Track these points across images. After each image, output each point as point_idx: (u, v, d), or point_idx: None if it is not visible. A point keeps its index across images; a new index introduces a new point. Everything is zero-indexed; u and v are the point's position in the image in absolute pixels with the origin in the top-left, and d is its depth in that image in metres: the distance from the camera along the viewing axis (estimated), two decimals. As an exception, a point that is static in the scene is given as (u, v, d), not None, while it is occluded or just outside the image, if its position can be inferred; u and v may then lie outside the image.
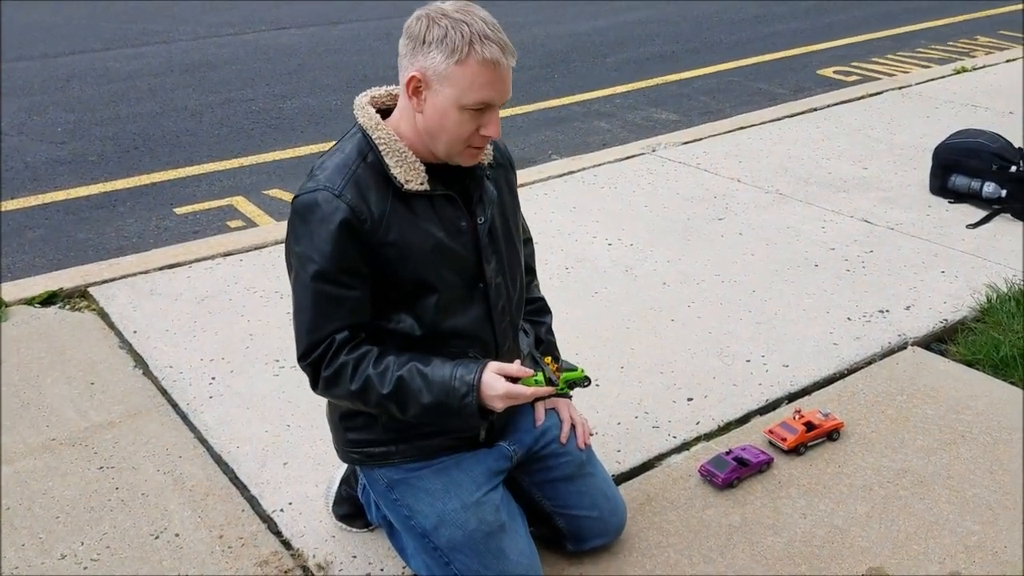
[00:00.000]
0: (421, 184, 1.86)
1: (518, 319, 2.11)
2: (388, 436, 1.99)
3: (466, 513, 1.96)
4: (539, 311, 2.31)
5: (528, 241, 2.31)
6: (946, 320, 3.30)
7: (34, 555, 2.22)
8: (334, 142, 1.96)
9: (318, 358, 1.86)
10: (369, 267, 1.85)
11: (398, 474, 2.01)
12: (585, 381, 1.96)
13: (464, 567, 1.95)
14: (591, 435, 2.25)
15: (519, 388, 1.84)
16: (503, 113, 6.12)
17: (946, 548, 2.27)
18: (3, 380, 2.92)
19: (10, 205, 4.59)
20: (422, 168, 1.87)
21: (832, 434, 2.67)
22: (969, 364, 3.04)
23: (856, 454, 2.61)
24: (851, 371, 3.04)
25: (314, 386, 1.91)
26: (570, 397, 2.13)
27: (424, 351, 1.90)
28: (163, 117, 6.00)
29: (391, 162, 1.85)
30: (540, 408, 2.18)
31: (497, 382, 1.84)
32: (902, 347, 3.16)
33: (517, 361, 1.91)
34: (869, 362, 3.08)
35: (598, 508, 2.16)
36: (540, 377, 1.88)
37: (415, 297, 1.90)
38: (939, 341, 3.23)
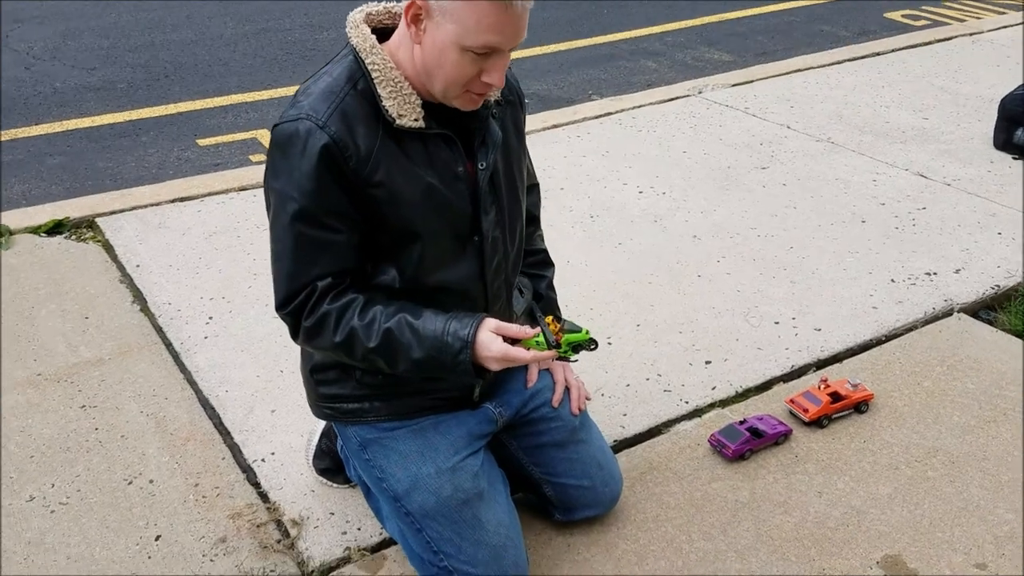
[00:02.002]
0: (415, 120, 1.65)
1: (514, 277, 1.92)
2: (362, 392, 1.84)
3: (440, 479, 1.81)
4: (540, 264, 2.11)
5: (534, 187, 2.11)
6: (998, 286, 3.04)
7: (2, 494, 2.14)
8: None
9: (298, 306, 1.69)
10: (355, 209, 1.66)
11: (372, 433, 1.87)
12: (591, 344, 1.77)
13: (437, 534, 1.81)
14: (589, 400, 2.08)
15: (517, 351, 1.66)
16: (543, 50, 5.92)
17: (973, 537, 2.07)
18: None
19: (34, 131, 4.51)
20: (418, 103, 1.65)
21: (860, 406, 2.46)
22: (1019, 335, 2.79)
23: (884, 429, 2.41)
24: (889, 338, 2.81)
25: (294, 336, 1.75)
26: (574, 361, 1.94)
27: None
28: (197, 45, 5.87)
29: (384, 92, 1.63)
30: (533, 369, 2.01)
31: (494, 342, 1.65)
32: (947, 313, 2.91)
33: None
34: (909, 329, 2.84)
35: (590, 477, 2.00)
36: (542, 339, 1.69)
37: (399, 247, 1.72)
38: (988, 308, 2.97)
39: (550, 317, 1.74)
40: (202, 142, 4.46)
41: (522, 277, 2.04)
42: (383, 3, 1.73)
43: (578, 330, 1.72)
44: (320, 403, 1.91)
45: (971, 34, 5.78)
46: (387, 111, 1.63)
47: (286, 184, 1.63)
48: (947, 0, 7.03)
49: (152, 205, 3.53)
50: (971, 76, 5.00)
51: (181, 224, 3.42)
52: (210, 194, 3.63)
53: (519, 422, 1.98)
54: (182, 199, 3.59)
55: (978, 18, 6.43)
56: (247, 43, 5.92)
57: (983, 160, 3.97)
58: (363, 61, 1.64)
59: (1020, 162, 3.92)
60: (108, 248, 3.24)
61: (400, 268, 1.73)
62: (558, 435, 1.99)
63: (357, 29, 1.67)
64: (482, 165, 1.74)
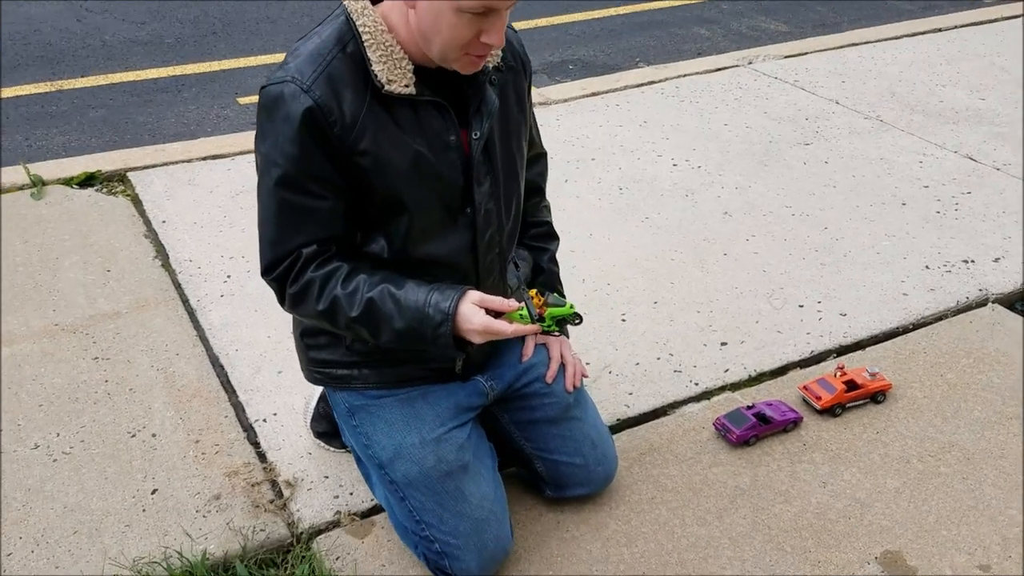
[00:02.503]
0: (406, 87, 1.61)
1: (509, 251, 1.88)
2: (351, 359, 1.83)
3: (424, 449, 1.79)
4: (543, 236, 2.07)
5: (540, 157, 2.06)
6: (1039, 278, 2.91)
7: (8, 442, 2.19)
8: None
9: (283, 273, 1.69)
10: (341, 176, 1.63)
11: (360, 400, 1.86)
12: (575, 318, 1.73)
13: (419, 504, 1.80)
14: (586, 377, 2.04)
15: (499, 324, 1.63)
16: (592, 15, 5.80)
17: (980, 537, 1.99)
18: (23, 260, 2.91)
19: (79, 83, 4.58)
20: (409, 68, 1.61)
21: (877, 396, 2.38)
22: (1057, 330, 2.67)
23: (899, 420, 2.33)
24: (916, 326, 2.71)
25: (281, 302, 1.74)
26: (557, 335, 1.90)
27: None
28: (247, 3, 5.88)
29: (373, 56, 1.59)
30: (530, 343, 1.98)
31: (476, 315, 1.63)
32: (981, 303, 2.80)
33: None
34: (939, 318, 2.74)
35: (582, 455, 1.97)
36: (525, 312, 1.67)
37: (387, 217, 1.69)
38: (1026, 301, 2.85)
39: (533, 291, 1.71)
40: (242, 100, 4.48)
41: (522, 250, 2.01)
42: None
43: (563, 304, 1.68)
44: (311, 367, 1.90)
45: (1044, 11, 5.51)
46: (376, 76, 1.59)
47: (271, 148, 1.61)
48: (1023, -26, 6.70)
49: (183, 162, 3.57)
50: (1038, 55, 4.78)
51: (210, 181, 3.45)
52: (241, 152, 3.65)
53: (511, 396, 1.95)
54: (214, 156, 3.62)
55: (1054, -7, 6.12)
56: (297, 1, 5.92)
57: (1039, 144, 3.79)
58: (354, 23, 1.60)
59: (1079, 147, 3.74)
60: (136, 202, 3.28)
61: (389, 238, 1.70)
62: (551, 411, 1.96)
63: None
64: (476, 134, 1.70)
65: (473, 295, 1.65)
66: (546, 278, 2.05)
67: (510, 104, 1.79)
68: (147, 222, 3.16)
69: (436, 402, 1.85)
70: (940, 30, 5.18)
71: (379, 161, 1.63)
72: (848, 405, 2.36)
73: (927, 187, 3.47)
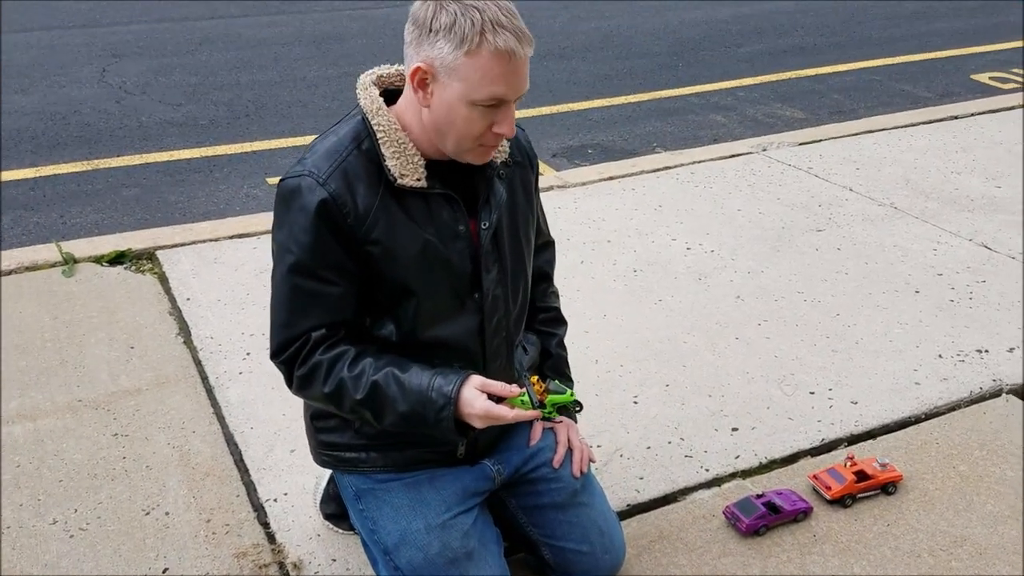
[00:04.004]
0: (417, 180, 1.70)
1: (516, 336, 1.93)
2: (360, 442, 1.87)
3: (429, 535, 1.82)
4: (552, 321, 2.12)
5: (548, 245, 2.13)
6: (1054, 369, 2.90)
7: (28, 516, 2.24)
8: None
9: (292, 356, 1.75)
10: (353, 263, 1.71)
11: (367, 483, 1.89)
12: (575, 406, 1.77)
13: (424, 591, 1.81)
14: (593, 463, 2.06)
15: (500, 409, 1.68)
16: (612, 102, 5.96)
17: (993, 638, 1.97)
18: (51, 336, 2.99)
19: (114, 162, 4.75)
20: (421, 163, 1.71)
21: (888, 487, 2.38)
22: (1071, 422, 2.66)
23: (911, 513, 2.31)
24: (928, 416, 2.71)
25: (289, 384, 1.81)
26: (559, 421, 1.94)
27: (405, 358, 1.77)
28: (280, 86, 6.10)
29: (387, 152, 1.69)
30: (537, 427, 2.01)
31: (477, 400, 1.68)
32: (995, 394, 2.79)
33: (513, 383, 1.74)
34: (952, 408, 2.74)
35: (589, 542, 1.98)
36: (526, 397, 1.71)
37: (397, 302, 1.76)
38: (1041, 392, 2.84)
39: (535, 377, 1.75)
40: (272, 180, 4.61)
41: (530, 334, 2.05)
42: (395, 66, 1.79)
43: (564, 391, 1.72)
44: (319, 450, 1.94)
45: (1059, 100, 5.58)
46: (389, 170, 1.68)
47: (286, 237, 1.69)
48: (1039, 63, 6.82)
49: (211, 240, 3.67)
50: (1053, 144, 4.83)
51: (236, 260, 3.54)
52: (267, 232, 3.72)
53: (519, 480, 1.98)
54: (240, 235, 3.72)
55: (1070, 83, 6.22)
56: (328, 86, 6.13)
57: (1054, 233, 3.82)
58: (369, 122, 1.70)
59: (1095, 237, 3.76)
60: (163, 280, 3.38)
61: (397, 322, 1.76)
62: (558, 496, 1.97)
63: (366, 91, 1.73)
64: (484, 224, 1.78)
65: (475, 380, 1.70)
66: (554, 362, 2.10)
67: (518, 196, 1.87)
68: (172, 299, 3.24)
69: (443, 487, 1.88)
70: (956, 117, 5.26)
71: (389, 249, 1.71)
72: (858, 496, 2.35)
73: (941, 275, 3.50)
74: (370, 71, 1.81)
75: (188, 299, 3.25)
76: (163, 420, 2.60)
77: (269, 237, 3.66)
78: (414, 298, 1.75)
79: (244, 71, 6.42)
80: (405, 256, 1.72)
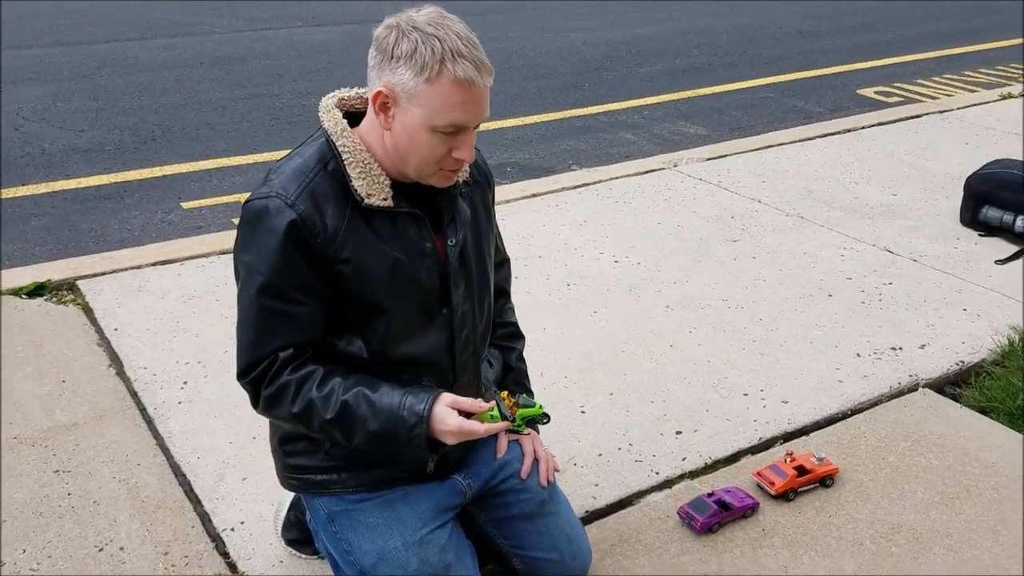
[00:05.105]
0: (384, 200, 1.73)
1: (482, 350, 1.98)
2: (330, 463, 1.87)
3: (407, 552, 1.83)
4: (511, 336, 2.17)
5: (504, 262, 2.18)
6: (963, 362, 3.11)
7: (-29, 562, 2.14)
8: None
9: (258, 376, 1.74)
10: (322, 283, 1.72)
11: (339, 505, 1.89)
12: (543, 418, 1.84)
13: (403, 608, 1.82)
14: (558, 471, 2.11)
15: (472, 424, 1.71)
16: (525, 121, 6.07)
17: (936, 615, 2.10)
18: (-25, 373, 2.87)
19: (20, 191, 4.56)
20: (387, 183, 1.73)
21: (825, 480, 2.51)
22: (983, 411, 2.85)
23: (849, 504, 2.45)
24: (854, 412, 2.86)
25: (255, 405, 1.79)
26: (527, 433, 1.99)
27: (374, 376, 1.78)
28: (185, 109, 5.97)
29: (353, 173, 1.71)
30: (503, 440, 2.05)
31: (449, 417, 1.71)
32: (912, 389, 2.98)
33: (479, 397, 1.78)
34: (875, 403, 2.90)
35: (558, 550, 2.03)
36: (496, 412, 1.75)
37: (366, 319, 1.78)
38: (953, 384, 3.04)
39: (504, 392, 1.80)
40: (186, 205, 4.52)
41: (492, 349, 2.10)
42: (355, 89, 1.82)
43: (532, 405, 1.78)
44: (288, 474, 1.93)
45: (941, 111, 5.97)
46: (356, 191, 1.71)
47: (254, 258, 1.69)
48: (919, 77, 7.27)
49: (133, 268, 3.58)
50: (940, 153, 5.16)
51: (160, 287, 3.46)
52: (190, 257, 3.68)
53: (488, 493, 2.01)
54: (163, 262, 3.64)
55: (949, 95, 6.65)
56: (235, 107, 6.03)
57: (949, 237, 4.08)
58: (334, 144, 1.72)
59: (986, 239, 4.04)
60: (87, 311, 3.27)
61: (366, 340, 1.78)
62: (527, 507, 2.02)
63: (329, 113, 1.76)
64: (451, 241, 1.82)
65: (446, 397, 1.74)
66: (515, 376, 2.14)
67: (479, 214, 1.92)
68: (99, 330, 3.15)
69: (417, 503, 1.90)
70: (849, 130, 5.57)
71: (359, 268, 1.73)
72: (800, 489, 2.47)
73: (850, 279, 3.70)
74: (331, 94, 1.84)
75: (116, 329, 3.16)
76: (105, 454, 2.52)
77: (192, 263, 3.60)
78: (384, 315, 1.77)
79: (146, 94, 6.26)
80: (375, 275, 1.74)
